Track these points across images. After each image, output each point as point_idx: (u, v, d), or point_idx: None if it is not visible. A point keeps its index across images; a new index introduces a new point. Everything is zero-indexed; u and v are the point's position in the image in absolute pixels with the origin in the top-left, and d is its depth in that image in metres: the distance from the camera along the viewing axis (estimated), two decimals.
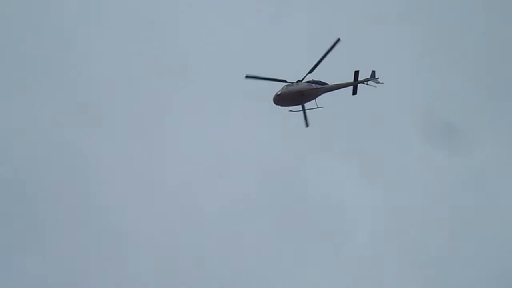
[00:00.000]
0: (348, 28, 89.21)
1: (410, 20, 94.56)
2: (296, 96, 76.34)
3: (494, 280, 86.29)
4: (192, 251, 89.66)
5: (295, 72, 77.56)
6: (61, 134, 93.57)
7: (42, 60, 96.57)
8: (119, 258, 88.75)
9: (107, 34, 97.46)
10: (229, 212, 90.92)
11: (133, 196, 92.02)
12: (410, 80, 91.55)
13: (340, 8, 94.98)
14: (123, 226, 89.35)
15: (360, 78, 77.71)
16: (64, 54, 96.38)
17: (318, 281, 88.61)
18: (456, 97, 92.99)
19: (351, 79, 77.71)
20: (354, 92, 78.18)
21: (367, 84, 78.40)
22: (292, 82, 76.94)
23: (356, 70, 77.11)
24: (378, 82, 78.47)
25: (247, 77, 74.76)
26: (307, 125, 77.63)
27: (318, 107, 77.47)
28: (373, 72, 78.87)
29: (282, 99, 76.51)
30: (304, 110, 77.33)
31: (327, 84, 77.66)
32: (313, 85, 76.97)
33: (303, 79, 76.96)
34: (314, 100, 77.39)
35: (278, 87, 77.28)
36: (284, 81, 76.81)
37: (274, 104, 76.94)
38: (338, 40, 74.28)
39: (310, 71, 76.33)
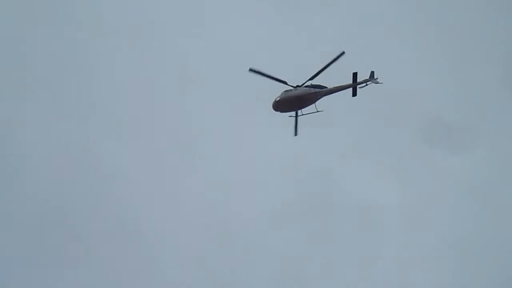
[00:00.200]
0: (347, 29, 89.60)
1: (409, 19, 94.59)
2: (295, 101, 76.27)
3: None
4: (231, 259, 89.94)
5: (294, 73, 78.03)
6: (87, 146, 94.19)
7: (64, 76, 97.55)
8: (157, 270, 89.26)
9: (128, 46, 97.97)
10: (264, 219, 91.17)
11: (168, 207, 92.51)
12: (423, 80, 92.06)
13: (336, 9, 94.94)
14: (159, 237, 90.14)
15: (359, 79, 77.54)
16: (87, 66, 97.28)
17: (355, 284, 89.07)
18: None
19: (350, 81, 77.58)
20: (354, 94, 77.83)
21: (367, 84, 78.18)
22: (291, 87, 76.88)
23: (354, 72, 77.02)
24: (378, 83, 77.96)
25: (250, 70, 74.78)
26: (296, 133, 78.00)
27: (318, 111, 77.42)
28: (372, 73, 78.21)
29: (282, 105, 76.54)
30: (296, 117, 77.57)
31: (326, 87, 77.43)
32: (312, 89, 76.68)
33: (302, 84, 76.82)
34: (314, 104, 77.35)
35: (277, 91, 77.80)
36: (285, 82, 76.59)
37: (273, 111, 77.14)
38: (343, 53, 74.10)
39: (311, 79, 76.24)
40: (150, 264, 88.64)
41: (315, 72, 75.41)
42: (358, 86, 77.56)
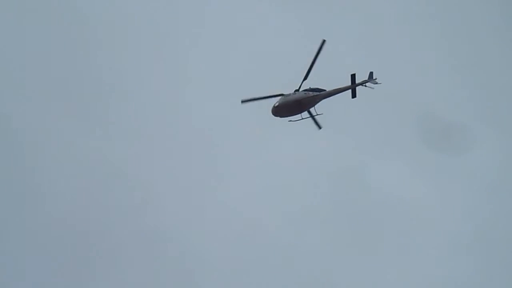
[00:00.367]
0: (345, 31, 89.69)
1: (408, 19, 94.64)
2: (294, 105, 75.76)
3: None
4: (261, 265, 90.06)
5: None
6: (107, 157, 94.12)
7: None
8: (187, 279, 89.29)
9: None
10: (297, 221, 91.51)
11: (194, 216, 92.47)
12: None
13: (332, 11, 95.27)
14: (188, 247, 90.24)
15: (357, 81, 77.23)
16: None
17: (392, 284, 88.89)
18: None
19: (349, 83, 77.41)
20: (354, 96, 77.44)
21: (365, 86, 77.86)
22: (289, 93, 76.73)
23: (352, 73, 76.75)
24: (376, 83, 77.60)
25: (243, 102, 75.38)
26: (320, 127, 77.51)
27: (317, 114, 76.94)
28: (371, 73, 77.82)
29: (281, 110, 75.95)
30: (312, 116, 77.00)
31: (324, 90, 77.02)
32: (310, 93, 76.19)
33: (299, 87, 76.41)
34: (313, 108, 77.01)
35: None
36: (282, 94, 76.39)
37: (273, 116, 76.78)
38: (324, 41, 73.77)
39: (305, 78, 75.77)
40: (181, 274, 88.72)
41: (306, 71, 75.14)
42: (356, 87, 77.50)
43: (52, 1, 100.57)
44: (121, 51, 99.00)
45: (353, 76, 76.81)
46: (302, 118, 76.86)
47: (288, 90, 76.68)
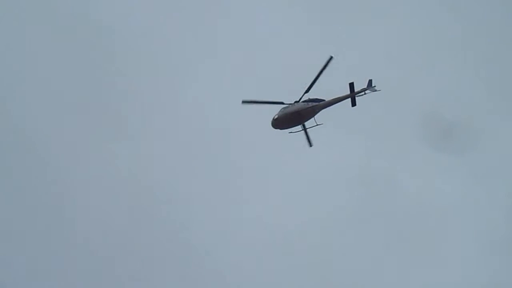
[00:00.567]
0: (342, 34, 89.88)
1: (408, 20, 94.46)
2: (293, 117, 76.36)
3: None
4: (298, 270, 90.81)
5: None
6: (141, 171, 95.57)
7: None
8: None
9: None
10: (328, 224, 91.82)
11: (231, 225, 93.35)
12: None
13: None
14: (226, 256, 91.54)
15: (356, 89, 77.40)
16: None
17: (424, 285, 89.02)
18: None
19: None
20: (353, 104, 77.68)
21: (365, 93, 78.04)
22: (289, 104, 77.02)
23: (350, 82, 76.95)
24: (375, 90, 77.86)
25: (243, 102, 75.57)
26: (310, 144, 77.88)
27: (317, 124, 77.33)
28: (370, 81, 78.18)
29: (281, 122, 76.60)
30: (305, 130, 77.54)
31: (323, 100, 77.46)
32: (310, 103, 76.72)
33: (300, 99, 76.91)
34: (313, 118, 77.34)
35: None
36: (282, 103, 76.97)
37: (273, 128, 77.44)
38: (331, 58, 74.16)
39: (307, 91, 76.29)
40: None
41: (309, 84, 75.64)
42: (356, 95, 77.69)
43: (77, 19, 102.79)
44: (143, 68, 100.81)
45: (351, 85, 77.06)
46: (303, 129, 77.35)
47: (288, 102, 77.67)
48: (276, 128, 77.12)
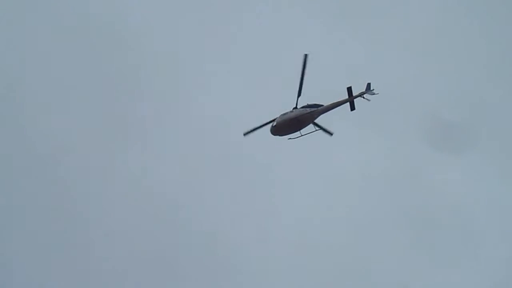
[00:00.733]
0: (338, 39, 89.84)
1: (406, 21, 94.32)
2: (292, 123, 76.03)
3: None
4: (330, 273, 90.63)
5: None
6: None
7: None
8: None
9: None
10: (359, 226, 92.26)
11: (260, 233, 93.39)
12: None
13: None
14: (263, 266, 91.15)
15: (355, 93, 77.05)
16: None
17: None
18: None
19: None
20: (352, 108, 77.41)
21: (363, 97, 77.74)
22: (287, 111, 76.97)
23: (348, 86, 76.61)
24: (374, 94, 77.64)
25: (245, 134, 76.56)
26: (331, 134, 77.67)
27: (316, 130, 77.07)
28: (369, 84, 77.90)
29: (279, 129, 76.30)
30: (318, 126, 77.15)
31: (322, 105, 77.09)
32: (308, 109, 76.39)
33: (296, 104, 76.61)
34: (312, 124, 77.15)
35: None
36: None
37: (272, 135, 77.10)
38: (306, 55, 73.92)
39: (299, 95, 75.99)
40: None
41: (298, 87, 75.35)
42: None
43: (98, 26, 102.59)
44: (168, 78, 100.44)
45: (349, 89, 76.75)
46: (301, 135, 77.07)
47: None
48: (275, 135, 76.79)
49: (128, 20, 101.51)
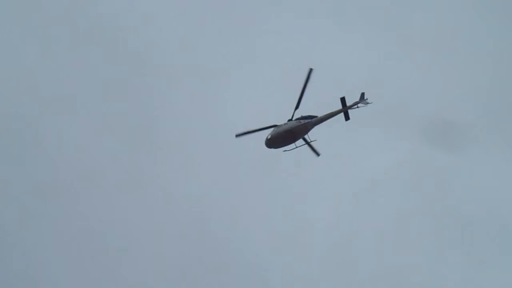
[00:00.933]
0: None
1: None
2: (287, 135, 75.48)
3: None
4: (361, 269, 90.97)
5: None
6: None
7: None
8: None
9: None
10: (390, 228, 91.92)
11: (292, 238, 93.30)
12: None
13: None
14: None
15: (349, 102, 76.90)
16: None
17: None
18: None
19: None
20: (347, 118, 77.13)
21: (358, 107, 77.75)
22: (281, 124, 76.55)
23: (341, 96, 76.37)
24: (367, 103, 77.63)
25: (237, 136, 75.95)
26: (317, 154, 77.32)
27: (311, 141, 76.54)
28: (363, 94, 77.90)
29: (274, 142, 75.60)
30: (308, 142, 76.99)
31: (316, 116, 76.80)
32: (302, 121, 75.85)
33: (292, 116, 76.21)
34: (307, 135, 76.60)
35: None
36: (275, 126, 76.31)
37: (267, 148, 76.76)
38: (311, 70, 73.85)
39: (296, 107, 75.59)
40: None
41: (297, 100, 75.18)
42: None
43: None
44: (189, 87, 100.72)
45: (343, 99, 76.43)
46: (296, 147, 76.59)
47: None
48: (270, 148, 76.06)
49: (152, 33, 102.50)
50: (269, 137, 76.22)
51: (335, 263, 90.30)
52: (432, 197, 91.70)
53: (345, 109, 76.93)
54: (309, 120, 76.66)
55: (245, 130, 75.86)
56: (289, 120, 76.68)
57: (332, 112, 77.32)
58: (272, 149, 76.71)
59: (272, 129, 76.38)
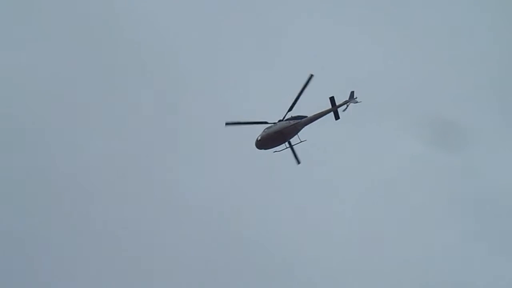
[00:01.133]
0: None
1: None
2: (277, 136, 75.73)
3: None
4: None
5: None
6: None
7: None
8: None
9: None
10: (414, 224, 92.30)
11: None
12: None
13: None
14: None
15: (338, 102, 76.66)
16: None
17: None
18: None
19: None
20: (337, 117, 76.91)
21: (347, 106, 77.20)
22: (273, 123, 76.64)
23: (330, 96, 76.21)
24: (357, 102, 77.37)
25: (227, 124, 75.55)
26: (298, 162, 77.42)
27: (301, 141, 76.44)
28: (352, 93, 77.70)
29: (264, 143, 76.02)
30: (291, 147, 77.11)
31: (305, 117, 76.74)
32: (291, 121, 75.93)
33: (284, 117, 76.34)
34: (297, 135, 76.66)
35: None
36: (266, 122, 76.47)
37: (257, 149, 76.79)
38: (311, 76, 73.80)
39: (290, 109, 75.74)
40: None
41: (292, 103, 75.20)
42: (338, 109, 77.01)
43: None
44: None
45: (332, 99, 76.32)
46: (287, 148, 76.78)
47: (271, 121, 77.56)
48: (260, 149, 76.45)
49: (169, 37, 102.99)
50: (259, 138, 76.62)
51: (358, 258, 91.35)
52: (464, 190, 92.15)
53: (334, 109, 76.77)
54: (299, 120, 76.57)
55: (236, 120, 75.47)
56: (279, 121, 76.54)
57: (321, 112, 77.25)
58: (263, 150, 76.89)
59: (261, 125, 76.54)
